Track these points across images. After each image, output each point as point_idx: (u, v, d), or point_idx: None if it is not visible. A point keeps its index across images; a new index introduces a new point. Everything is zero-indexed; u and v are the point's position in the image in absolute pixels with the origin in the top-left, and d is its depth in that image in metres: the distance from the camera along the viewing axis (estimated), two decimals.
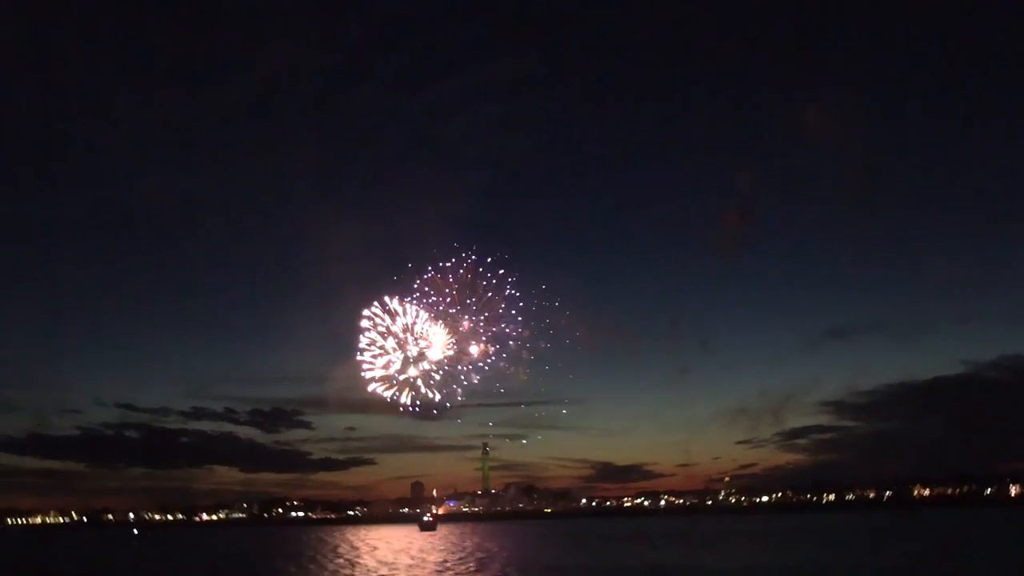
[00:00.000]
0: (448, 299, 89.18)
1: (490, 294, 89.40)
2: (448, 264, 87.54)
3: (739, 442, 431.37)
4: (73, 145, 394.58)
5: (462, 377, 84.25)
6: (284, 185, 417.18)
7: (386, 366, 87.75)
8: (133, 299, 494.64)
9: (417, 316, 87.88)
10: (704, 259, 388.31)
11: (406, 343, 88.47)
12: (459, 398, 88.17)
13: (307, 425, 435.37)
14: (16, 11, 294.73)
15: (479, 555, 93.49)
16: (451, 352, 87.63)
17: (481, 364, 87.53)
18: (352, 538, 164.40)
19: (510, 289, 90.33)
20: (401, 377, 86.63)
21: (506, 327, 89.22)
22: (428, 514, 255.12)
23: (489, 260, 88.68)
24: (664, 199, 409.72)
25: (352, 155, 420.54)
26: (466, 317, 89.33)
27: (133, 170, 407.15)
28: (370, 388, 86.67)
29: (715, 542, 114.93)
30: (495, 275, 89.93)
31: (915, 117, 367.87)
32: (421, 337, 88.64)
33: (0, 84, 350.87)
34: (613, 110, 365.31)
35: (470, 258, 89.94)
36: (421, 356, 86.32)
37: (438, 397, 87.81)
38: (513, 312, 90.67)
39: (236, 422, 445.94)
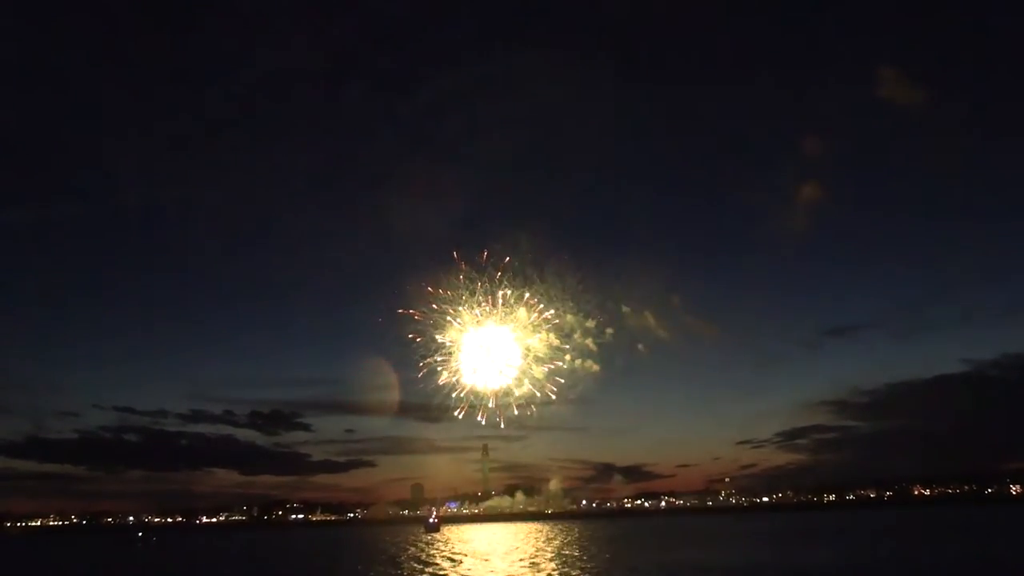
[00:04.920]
0: (497, 293, 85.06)
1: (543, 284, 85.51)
2: (494, 258, 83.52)
3: (740, 442, 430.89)
4: (70, 151, 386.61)
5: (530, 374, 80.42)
6: (280, 187, 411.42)
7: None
8: (131, 302, 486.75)
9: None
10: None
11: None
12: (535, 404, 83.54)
13: (306, 427, 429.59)
14: (13, 23, 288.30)
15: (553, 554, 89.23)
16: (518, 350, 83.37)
17: (546, 359, 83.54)
18: (375, 539, 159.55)
19: (565, 279, 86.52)
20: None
21: (569, 318, 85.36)
22: (433, 516, 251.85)
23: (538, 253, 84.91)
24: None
25: (348, 156, 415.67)
26: (523, 309, 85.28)
27: (130, 175, 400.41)
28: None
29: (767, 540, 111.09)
30: (546, 268, 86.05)
31: (916, 113, 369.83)
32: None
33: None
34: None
35: (524, 250, 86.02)
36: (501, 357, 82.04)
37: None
38: (572, 303, 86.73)
39: (235, 424, 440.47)
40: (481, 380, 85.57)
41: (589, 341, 79.77)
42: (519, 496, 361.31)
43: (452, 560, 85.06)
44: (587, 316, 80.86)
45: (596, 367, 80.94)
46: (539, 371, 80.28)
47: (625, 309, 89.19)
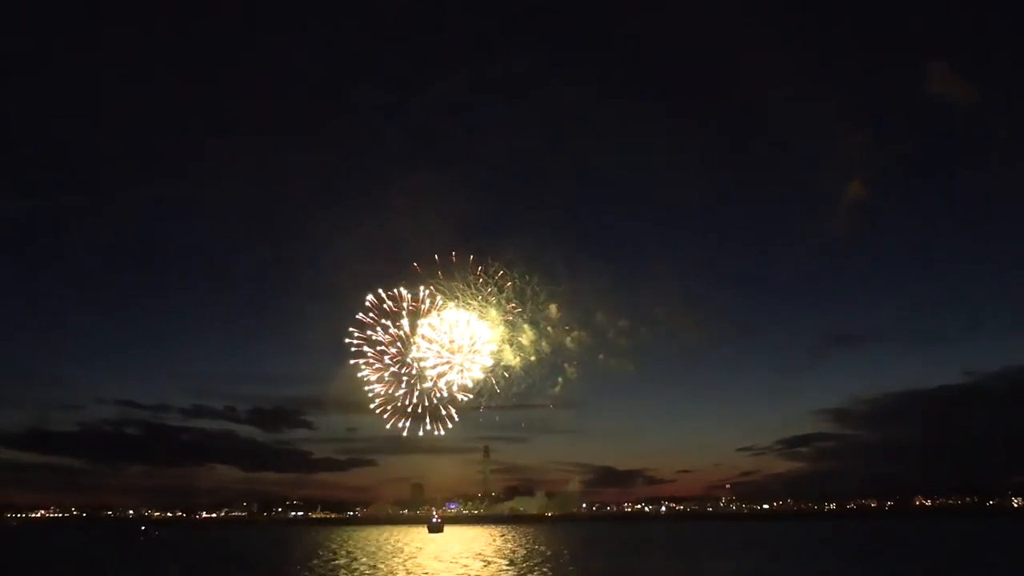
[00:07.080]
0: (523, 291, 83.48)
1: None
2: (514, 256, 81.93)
3: (740, 449, 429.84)
4: (74, 146, 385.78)
5: (564, 366, 78.73)
6: (285, 184, 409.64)
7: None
8: (135, 296, 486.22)
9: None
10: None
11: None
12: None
13: (308, 425, 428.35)
14: (15, 17, 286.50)
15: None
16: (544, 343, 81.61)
17: (576, 356, 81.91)
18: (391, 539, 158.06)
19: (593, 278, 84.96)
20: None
21: (598, 318, 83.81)
22: (436, 516, 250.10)
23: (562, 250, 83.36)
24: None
25: (353, 155, 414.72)
26: (551, 307, 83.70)
27: (134, 170, 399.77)
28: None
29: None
30: (571, 265, 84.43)
31: (924, 127, 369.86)
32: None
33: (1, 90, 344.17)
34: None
35: (554, 248, 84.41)
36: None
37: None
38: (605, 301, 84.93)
39: (237, 420, 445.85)
40: (499, 380, 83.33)
41: (624, 341, 77.53)
42: (540, 497, 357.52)
43: None
44: (620, 315, 78.48)
45: (631, 367, 78.87)
46: (571, 371, 78.10)
47: (657, 309, 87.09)
